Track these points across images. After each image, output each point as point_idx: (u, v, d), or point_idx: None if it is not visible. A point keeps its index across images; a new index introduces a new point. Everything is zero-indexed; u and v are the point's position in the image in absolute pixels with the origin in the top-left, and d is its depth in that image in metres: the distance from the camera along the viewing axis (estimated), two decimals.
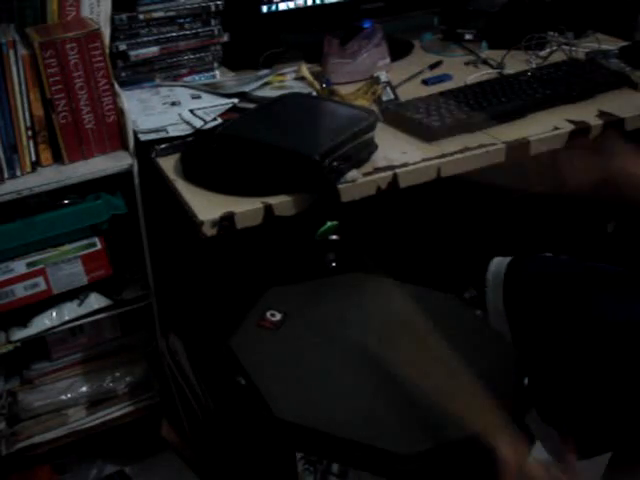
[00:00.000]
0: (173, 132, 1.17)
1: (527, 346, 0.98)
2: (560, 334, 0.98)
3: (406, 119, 1.21)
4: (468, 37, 1.60)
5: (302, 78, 1.39)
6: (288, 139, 1.05)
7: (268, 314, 1.01)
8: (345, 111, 1.16)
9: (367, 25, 1.47)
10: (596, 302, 0.97)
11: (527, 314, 1.02)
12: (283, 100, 1.21)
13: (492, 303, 1.07)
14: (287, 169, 1.03)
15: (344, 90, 1.34)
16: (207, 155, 1.12)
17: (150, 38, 1.31)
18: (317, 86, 1.35)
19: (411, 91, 1.35)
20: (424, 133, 1.18)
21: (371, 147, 1.12)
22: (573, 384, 0.98)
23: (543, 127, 1.21)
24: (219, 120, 1.21)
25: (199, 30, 1.35)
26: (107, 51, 1.17)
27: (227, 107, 1.26)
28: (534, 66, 1.45)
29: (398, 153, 1.14)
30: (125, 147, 1.20)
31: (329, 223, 1.12)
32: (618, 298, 0.97)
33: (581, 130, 1.21)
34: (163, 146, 1.16)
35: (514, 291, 1.05)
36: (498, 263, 1.10)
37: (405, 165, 1.11)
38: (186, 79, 1.39)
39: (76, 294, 1.27)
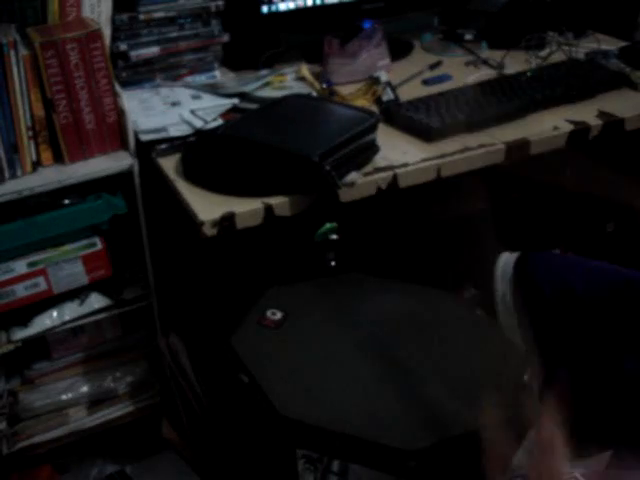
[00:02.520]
0: (173, 132, 1.18)
1: (534, 339, 0.98)
2: (567, 332, 0.98)
3: (406, 119, 1.22)
4: (468, 37, 1.60)
5: (302, 78, 1.39)
6: (288, 140, 1.05)
7: (269, 313, 1.01)
8: (347, 113, 1.16)
9: (367, 25, 1.48)
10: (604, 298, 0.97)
11: (535, 308, 1.02)
12: (284, 101, 1.21)
13: (500, 296, 1.07)
14: (287, 170, 1.03)
15: (344, 90, 1.34)
16: (208, 155, 1.12)
17: (151, 38, 1.31)
18: (317, 86, 1.35)
19: (411, 91, 1.35)
20: (424, 133, 1.18)
21: (372, 149, 1.12)
22: (578, 382, 0.98)
23: (543, 127, 1.21)
24: (220, 120, 1.21)
25: (199, 30, 1.36)
26: (108, 51, 1.17)
27: (227, 107, 1.26)
28: (534, 66, 1.45)
29: (398, 153, 1.14)
30: (125, 147, 1.20)
31: (328, 225, 1.12)
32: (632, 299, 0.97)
33: (581, 130, 1.21)
34: (163, 146, 1.16)
35: (522, 286, 1.05)
36: (507, 257, 1.10)
37: (405, 165, 1.11)
38: (186, 79, 1.39)
39: (77, 294, 1.27)
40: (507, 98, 1.26)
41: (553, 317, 0.98)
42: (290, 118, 1.14)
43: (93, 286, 1.27)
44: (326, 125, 1.12)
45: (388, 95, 1.31)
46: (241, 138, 1.09)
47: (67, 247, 1.21)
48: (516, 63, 1.48)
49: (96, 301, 1.29)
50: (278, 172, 1.04)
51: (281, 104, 1.20)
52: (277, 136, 1.07)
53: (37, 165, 1.16)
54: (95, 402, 1.41)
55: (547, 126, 1.21)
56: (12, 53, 1.06)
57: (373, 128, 1.12)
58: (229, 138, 1.10)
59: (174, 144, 1.16)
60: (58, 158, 1.18)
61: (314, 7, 1.47)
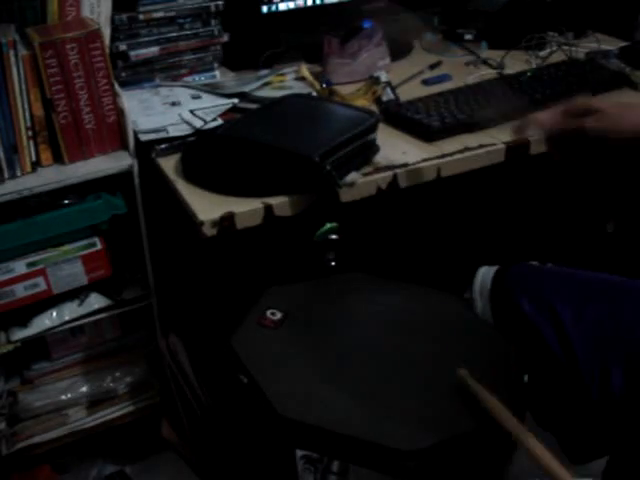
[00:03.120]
0: (173, 132, 1.18)
1: (518, 355, 0.98)
2: (546, 343, 0.98)
3: (406, 119, 1.22)
4: (468, 37, 1.60)
5: (302, 78, 1.39)
6: (288, 140, 1.05)
7: (268, 313, 1.01)
8: (347, 112, 1.16)
9: (367, 25, 1.48)
10: (578, 310, 0.97)
11: (515, 323, 1.02)
12: (284, 101, 1.21)
13: (480, 312, 1.07)
14: (287, 170, 1.03)
15: (344, 90, 1.34)
16: (208, 156, 1.12)
17: (150, 38, 1.31)
18: (317, 86, 1.35)
19: (411, 91, 1.35)
20: (424, 133, 1.18)
21: (372, 149, 1.12)
22: (564, 391, 0.98)
23: None
24: (219, 120, 1.21)
25: (199, 30, 1.35)
26: (107, 51, 1.17)
27: (227, 107, 1.26)
28: (534, 66, 1.45)
29: (398, 153, 1.14)
30: (125, 147, 1.20)
31: (328, 225, 1.12)
32: (600, 304, 0.97)
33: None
34: (163, 146, 1.16)
35: (501, 302, 1.05)
36: (484, 273, 1.10)
37: (405, 165, 1.11)
38: (186, 79, 1.39)
39: (76, 294, 1.27)
40: (507, 98, 1.26)
41: (532, 334, 0.98)
42: (290, 118, 1.14)
43: (93, 286, 1.27)
44: (326, 125, 1.12)
45: (388, 95, 1.31)
46: (241, 138, 1.09)
47: (67, 247, 1.21)
48: (516, 63, 1.48)
49: (96, 301, 1.29)
50: (278, 172, 1.04)
51: (281, 104, 1.20)
52: (277, 136, 1.07)
53: (37, 165, 1.16)
54: (95, 402, 1.41)
55: None
56: (12, 53, 1.06)
57: (373, 128, 1.11)
58: (229, 138, 1.10)
59: (174, 144, 1.16)
60: (58, 158, 1.18)
61: (314, 7, 1.47)
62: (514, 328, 1.02)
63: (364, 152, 1.10)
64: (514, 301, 1.01)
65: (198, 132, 1.18)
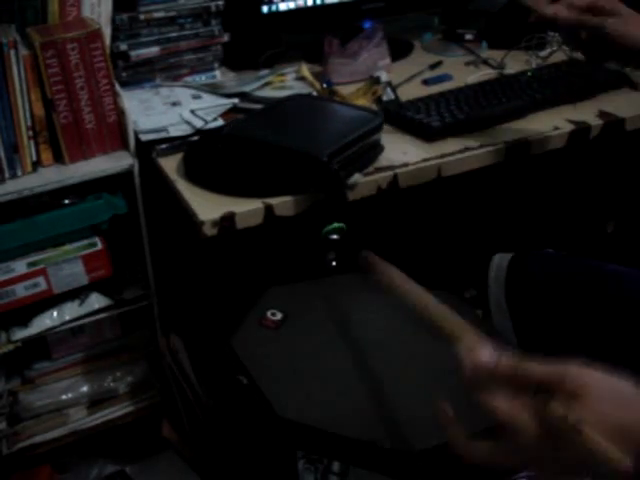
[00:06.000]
0: (174, 132, 1.18)
1: (530, 343, 0.98)
2: (565, 330, 0.98)
3: (406, 119, 1.22)
4: (468, 37, 1.60)
5: (303, 78, 1.39)
6: (295, 140, 1.05)
7: (269, 313, 1.01)
8: (352, 113, 1.16)
9: (367, 25, 1.48)
10: (600, 297, 0.97)
11: (530, 310, 1.02)
12: (289, 101, 1.21)
13: (494, 299, 1.07)
14: (294, 170, 1.03)
15: (344, 90, 1.34)
16: (213, 155, 1.11)
17: (151, 38, 1.31)
18: (317, 86, 1.35)
19: (411, 91, 1.35)
20: (424, 133, 1.18)
21: (377, 149, 1.12)
22: None
23: (543, 127, 1.21)
24: (220, 120, 1.21)
25: (200, 30, 1.36)
26: (108, 51, 1.17)
27: (228, 107, 1.26)
28: (534, 66, 1.45)
29: (398, 153, 1.14)
30: (126, 147, 1.20)
31: (336, 224, 1.12)
32: (624, 293, 0.98)
33: (581, 130, 1.21)
34: (164, 146, 1.16)
35: (517, 287, 1.05)
36: (500, 259, 1.10)
37: (405, 165, 1.11)
38: (187, 79, 1.39)
39: (77, 294, 1.27)
40: (507, 98, 1.26)
41: (551, 317, 0.98)
42: (295, 118, 1.14)
43: (93, 286, 1.27)
44: (332, 125, 1.12)
45: (388, 95, 1.31)
46: (247, 138, 1.08)
47: (67, 247, 1.21)
48: (516, 63, 1.48)
49: (96, 301, 1.29)
50: (285, 172, 1.03)
51: (285, 104, 1.19)
52: (283, 136, 1.07)
53: (37, 165, 1.16)
54: (95, 402, 1.41)
55: (547, 126, 1.21)
56: (12, 53, 1.06)
57: (379, 128, 1.11)
58: (235, 138, 1.10)
59: (174, 144, 1.16)
60: (58, 158, 1.18)
61: (314, 7, 1.47)
62: (528, 314, 1.02)
63: (369, 152, 1.10)
64: (530, 286, 1.01)
65: (201, 132, 1.18)
